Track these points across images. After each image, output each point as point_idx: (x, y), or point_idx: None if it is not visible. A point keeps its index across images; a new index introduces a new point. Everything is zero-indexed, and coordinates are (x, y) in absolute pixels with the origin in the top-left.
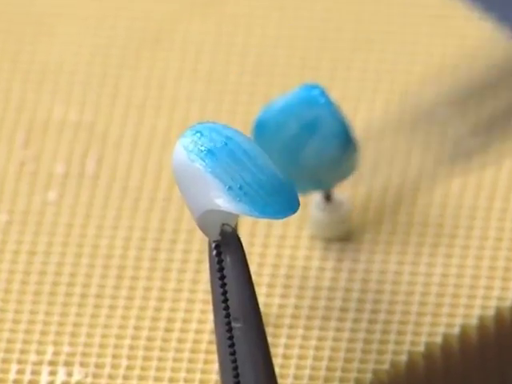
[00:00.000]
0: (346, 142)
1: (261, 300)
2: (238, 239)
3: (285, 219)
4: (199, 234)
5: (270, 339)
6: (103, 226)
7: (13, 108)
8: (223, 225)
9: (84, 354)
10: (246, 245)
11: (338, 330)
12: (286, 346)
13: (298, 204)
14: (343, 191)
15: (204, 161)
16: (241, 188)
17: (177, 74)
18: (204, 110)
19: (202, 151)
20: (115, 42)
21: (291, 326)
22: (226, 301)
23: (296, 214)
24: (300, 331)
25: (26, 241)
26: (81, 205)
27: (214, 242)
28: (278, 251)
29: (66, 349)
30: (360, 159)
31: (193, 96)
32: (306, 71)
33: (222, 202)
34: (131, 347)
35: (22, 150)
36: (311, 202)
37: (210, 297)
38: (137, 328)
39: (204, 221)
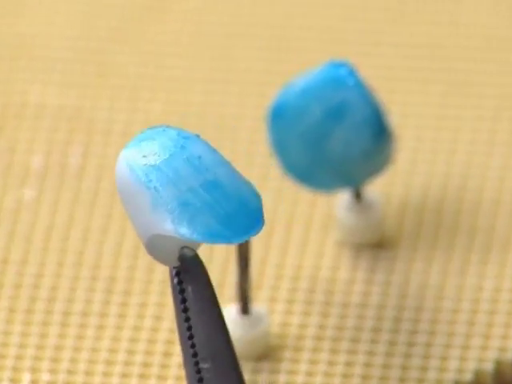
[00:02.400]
0: (378, 132)
1: (278, 318)
2: (201, 264)
3: (306, 223)
4: None
5: (288, 365)
6: (90, 229)
7: None
8: (182, 248)
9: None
10: (260, 252)
11: (369, 353)
12: (308, 374)
13: (260, 226)
14: (375, 189)
15: (148, 177)
16: (186, 208)
17: (175, 49)
18: (208, 91)
19: (145, 165)
20: (102, 11)
21: (314, 350)
22: (191, 337)
23: (320, 215)
24: (324, 355)
25: None
26: (63, 204)
27: (174, 268)
28: (299, 260)
29: (45, 377)
30: (395, 151)
31: (194, 75)
32: (332, 45)
33: (166, 225)
34: (123, 375)
35: None
36: (338, 201)
37: None
38: (130, 352)
39: (153, 245)
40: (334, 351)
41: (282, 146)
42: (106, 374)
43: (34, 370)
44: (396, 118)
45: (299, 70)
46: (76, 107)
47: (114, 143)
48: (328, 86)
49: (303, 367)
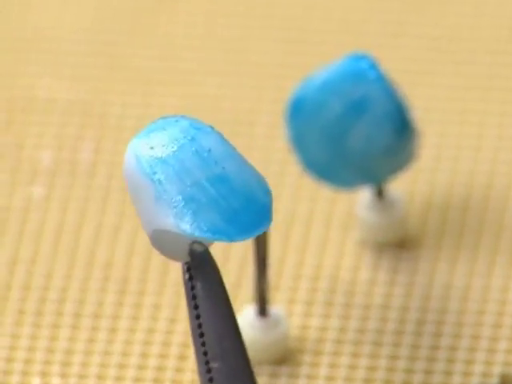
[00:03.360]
0: (401, 127)
1: (297, 321)
2: (211, 260)
3: (325, 221)
4: None
5: (307, 369)
6: (102, 228)
7: None
8: (192, 243)
9: None
10: (278, 252)
11: (391, 357)
12: (328, 378)
13: (267, 224)
14: (398, 186)
15: (152, 169)
16: (190, 203)
17: (189, 42)
18: (222, 85)
19: (151, 157)
20: (114, 2)
21: (335, 353)
22: (202, 335)
23: (341, 213)
24: (345, 359)
25: (6, 247)
26: (74, 201)
27: (185, 263)
28: (318, 260)
29: (55, 381)
30: (419, 147)
31: (208, 68)
32: (352, 37)
33: (168, 219)
34: (136, 379)
35: (0, 134)
36: (359, 199)
37: None
38: (143, 355)
39: (159, 240)
40: (355, 355)
41: (300, 142)
42: (118, 379)
43: (43, 374)
44: (419, 112)
45: (318, 62)
46: (87, 101)
47: (127, 139)
48: (348, 80)
49: (323, 371)
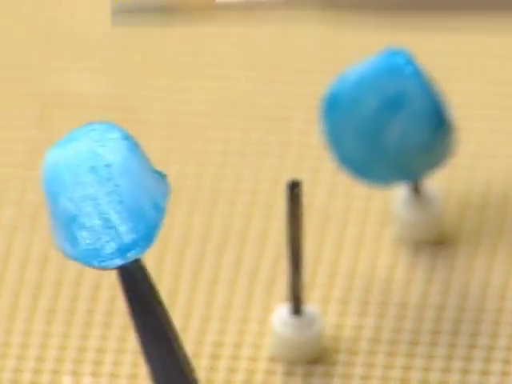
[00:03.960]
0: (438, 123)
1: (331, 320)
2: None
3: (361, 219)
4: (236, 230)
5: (342, 368)
6: None
7: (23, 78)
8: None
9: None
10: (312, 249)
11: (428, 357)
12: (363, 378)
13: (148, 243)
14: (435, 183)
15: (50, 184)
16: (74, 223)
17: (218, 36)
18: (256, 80)
19: (53, 171)
20: None
21: (370, 352)
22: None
23: (377, 211)
24: (381, 359)
25: (37, 243)
26: None
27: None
28: (354, 257)
29: (86, 380)
30: (456, 144)
31: (241, 63)
32: (389, 32)
33: (57, 240)
34: None
35: (32, 130)
36: (395, 196)
37: None
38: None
39: None
40: (390, 354)
41: (336, 138)
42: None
43: (74, 374)
44: (457, 108)
45: (353, 57)
46: (119, 96)
47: (158, 135)
48: (384, 76)
49: (358, 371)
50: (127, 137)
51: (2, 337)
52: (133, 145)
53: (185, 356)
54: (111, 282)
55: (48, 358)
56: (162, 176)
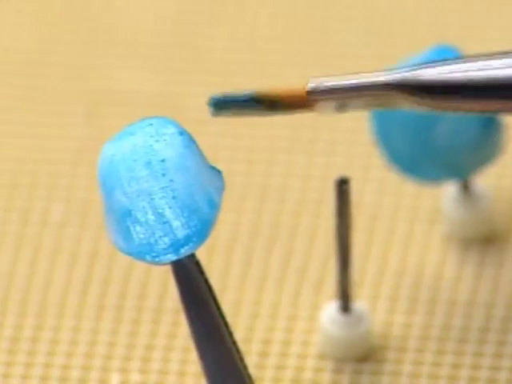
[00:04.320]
0: (487, 120)
1: (380, 317)
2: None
3: (410, 216)
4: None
5: (391, 366)
6: None
7: (72, 76)
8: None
9: None
10: (361, 247)
11: (477, 355)
12: (412, 375)
13: (202, 239)
14: (484, 181)
15: (106, 178)
16: (128, 219)
17: (271, 33)
18: (304, 77)
19: (109, 165)
20: None
21: (419, 350)
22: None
23: (426, 208)
24: (429, 356)
25: (87, 239)
26: None
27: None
28: (403, 255)
29: (134, 377)
30: (506, 141)
31: (290, 60)
32: (436, 29)
33: (111, 234)
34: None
35: (81, 128)
36: (444, 193)
37: None
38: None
39: None
40: (439, 352)
41: (385, 135)
42: (199, 375)
43: (123, 371)
44: None
45: (400, 54)
46: (167, 94)
47: (207, 131)
48: None
49: (407, 368)
50: (183, 132)
51: (51, 334)
52: (188, 140)
53: (238, 351)
54: (160, 279)
55: (97, 354)
56: (217, 172)
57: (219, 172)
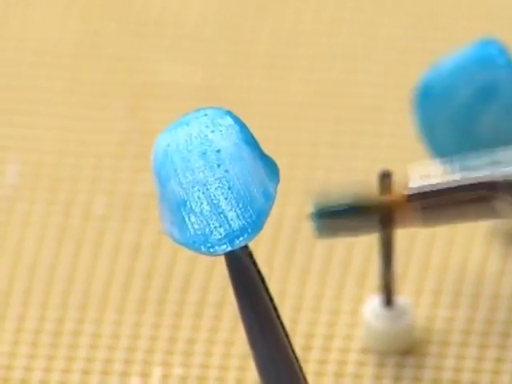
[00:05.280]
0: None
1: (423, 312)
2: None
3: None
4: None
5: (434, 360)
6: None
7: (115, 68)
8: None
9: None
10: (405, 241)
11: None
12: (455, 369)
13: (257, 230)
14: None
15: (161, 168)
16: (183, 209)
17: (316, 27)
18: (348, 70)
19: (164, 155)
20: None
21: (462, 344)
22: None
23: None
24: (473, 351)
25: (129, 233)
26: None
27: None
28: (447, 251)
29: (177, 371)
30: None
31: (334, 53)
32: (480, 23)
33: (165, 224)
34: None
35: (124, 120)
36: None
37: None
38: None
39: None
40: (483, 346)
41: (429, 128)
42: (241, 369)
43: (165, 364)
44: None
45: (445, 48)
46: (211, 87)
47: (251, 125)
48: (477, 66)
49: (450, 363)
50: (239, 123)
51: (93, 327)
52: (244, 131)
53: (290, 343)
54: (202, 273)
55: (139, 348)
56: (272, 163)
57: (274, 163)
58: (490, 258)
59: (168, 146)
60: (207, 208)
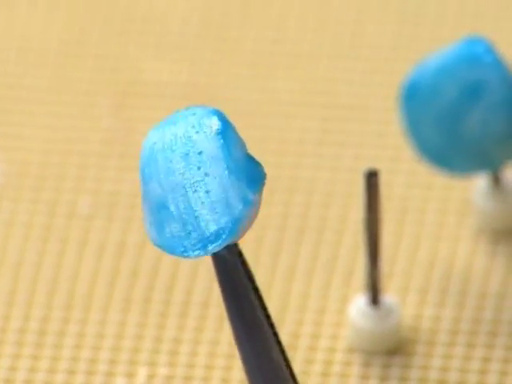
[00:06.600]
0: None
1: (410, 310)
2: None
3: (440, 208)
4: None
5: (421, 359)
6: None
7: (101, 66)
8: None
9: None
10: (391, 238)
11: (508, 348)
12: (442, 369)
13: (230, 237)
14: None
15: (145, 167)
16: (161, 211)
17: (302, 24)
18: (333, 68)
19: (150, 153)
20: None
21: (449, 344)
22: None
23: (456, 200)
24: (460, 350)
25: (114, 232)
26: None
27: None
28: (432, 247)
29: (162, 371)
30: None
31: (318, 51)
32: (467, 21)
33: (146, 225)
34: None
35: (110, 119)
36: (475, 186)
37: None
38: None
39: None
40: (470, 345)
41: (415, 127)
42: (226, 368)
43: (150, 364)
44: None
45: (432, 46)
46: (197, 85)
47: (236, 124)
48: (464, 64)
49: (437, 362)
50: (225, 124)
51: (78, 327)
52: (229, 133)
53: (280, 345)
54: (188, 272)
55: (124, 348)
56: (257, 168)
57: (259, 169)
58: (477, 256)
59: (154, 144)
60: (184, 211)
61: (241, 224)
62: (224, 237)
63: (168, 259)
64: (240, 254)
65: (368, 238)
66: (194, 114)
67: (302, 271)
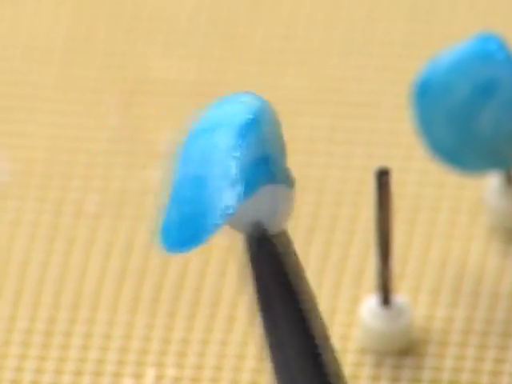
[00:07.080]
0: None
1: (421, 311)
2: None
3: (453, 207)
4: None
5: (432, 360)
6: None
7: (108, 64)
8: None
9: None
10: (403, 238)
11: None
12: (454, 370)
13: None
14: None
15: (177, 153)
16: (170, 201)
17: (312, 21)
18: (344, 65)
19: (183, 140)
20: None
21: (461, 345)
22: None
23: (469, 199)
24: (472, 351)
25: (122, 231)
26: None
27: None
28: (445, 247)
29: (170, 372)
30: None
31: (329, 48)
32: (479, 18)
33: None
34: (256, 370)
35: (117, 117)
36: (487, 184)
37: None
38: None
39: None
40: (482, 346)
41: (427, 125)
42: (236, 370)
43: (159, 365)
44: None
45: (444, 43)
46: (206, 83)
47: None
48: (476, 62)
49: (449, 363)
50: (246, 123)
51: (85, 328)
52: (245, 132)
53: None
54: (197, 271)
55: (132, 349)
56: (258, 175)
57: (260, 176)
58: (490, 255)
59: (187, 137)
60: (176, 207)
61: (207, 236)
62: (188, 245)
63: (177, 259)
64: (287, 243)
65: (379, 238)
66: (239, 103)
67: (312, 271)
